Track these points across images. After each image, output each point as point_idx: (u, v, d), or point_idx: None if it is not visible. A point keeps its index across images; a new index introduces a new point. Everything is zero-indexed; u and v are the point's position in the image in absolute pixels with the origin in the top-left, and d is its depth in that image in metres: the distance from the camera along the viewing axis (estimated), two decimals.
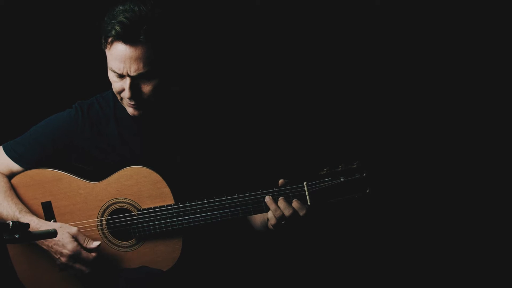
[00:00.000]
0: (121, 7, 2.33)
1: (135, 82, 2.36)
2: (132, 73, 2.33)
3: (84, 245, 2.43)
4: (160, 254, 2.44)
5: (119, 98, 2.44)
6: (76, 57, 3.11)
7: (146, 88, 2.37)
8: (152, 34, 2.31)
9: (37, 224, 2.45)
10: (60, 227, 2.44)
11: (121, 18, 2.29)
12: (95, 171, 2.51)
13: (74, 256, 2.41)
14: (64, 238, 2.41)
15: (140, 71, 2.33)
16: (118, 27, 2.28)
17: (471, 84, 3.02)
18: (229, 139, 2.56)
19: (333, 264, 3.19)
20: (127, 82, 2.35)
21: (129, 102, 2.40)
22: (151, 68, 2.34)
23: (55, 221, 2.50)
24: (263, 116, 3.15)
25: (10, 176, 2.57)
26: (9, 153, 2.57)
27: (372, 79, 3.09)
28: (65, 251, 2.41)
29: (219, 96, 3.06)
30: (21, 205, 2.51)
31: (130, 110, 2.44)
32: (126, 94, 2.37)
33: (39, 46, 3.14)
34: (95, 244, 2.43)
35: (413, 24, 3.02)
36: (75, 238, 2.42)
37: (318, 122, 3.14)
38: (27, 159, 2.55)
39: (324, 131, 3.13)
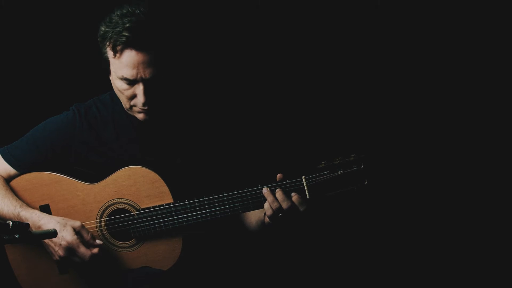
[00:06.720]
0: (118, 12, 2.30)
1: (149, 86, 2.33)
2: (147, 76, 2.30)
3: (87, 239, 2.40)
4: (161, 254, 2.43)
5: (127, 106, 2.41)
6: (73, 59, 3.10)
7: (159, 91, 2.35)
8: (160, 35, 2.29)
9: (39, 217, 2.43)
10: (64, 221, 2.41)
11: (127, 24, 2.25)
12: (93, 173, 2.50)
13: (71, 249, 2.38)
14: (65, 232, 2.38)
15: (155, 74, 2.30)
16: (127, 34, 2.25)
17: (468, 79, 3.03)
18: (226, 136, 2.55)
19: (332, 257, 3.19)
20: (140, 88, 2.32)
21: (142, 108, 2.37)
22: (163, 69, 2.32)
23: None
24: (259, 112, 3.15)
25: (8, 180, 2.56)
26: (6, 157, 2.56)
27: (369, 75, 3.10)
28: (63, 243, 2.38)
29: (215, 93, 3.07)
30: (21, 201, 2.50)
31: (140, 116, 2.41)
32: (140, 99, 2.33)
33: (36, 48, 3.13)
34: (98, 242, 2.41)
35: (413, 24, 3.02)
36: (77, 232, 2.40)
37: (315, 115, 3.14)
38: (24, 163, 2.54)
39: (320, 125, 3.13)
